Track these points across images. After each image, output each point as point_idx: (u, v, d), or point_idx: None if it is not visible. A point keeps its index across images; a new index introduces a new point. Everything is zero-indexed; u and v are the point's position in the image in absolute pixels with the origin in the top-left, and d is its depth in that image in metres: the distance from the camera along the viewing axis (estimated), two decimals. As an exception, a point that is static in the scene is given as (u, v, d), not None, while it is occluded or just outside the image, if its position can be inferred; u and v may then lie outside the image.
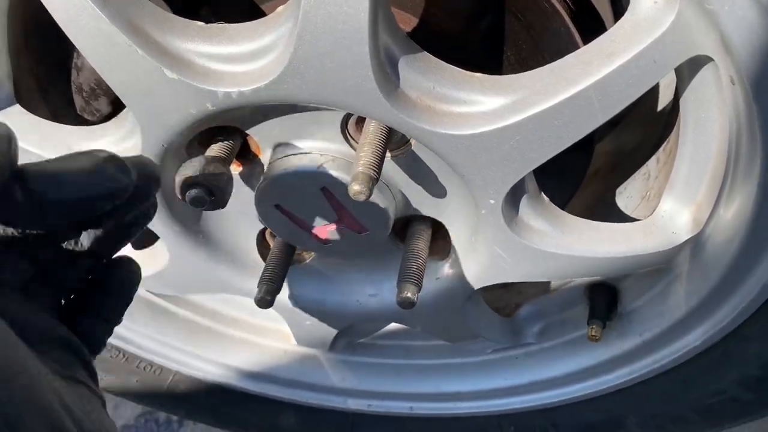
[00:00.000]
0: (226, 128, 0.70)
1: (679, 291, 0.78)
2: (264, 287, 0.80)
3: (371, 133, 0.64)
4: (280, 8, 0.59)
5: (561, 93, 0.57)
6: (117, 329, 1.01)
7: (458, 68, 0.60)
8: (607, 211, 0.92)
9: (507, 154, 0.61)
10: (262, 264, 0.87)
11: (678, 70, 0.62)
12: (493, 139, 0.60)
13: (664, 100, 0.94)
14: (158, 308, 1.03)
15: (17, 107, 0.76)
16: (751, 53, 0.51)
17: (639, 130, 0.99)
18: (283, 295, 0.88)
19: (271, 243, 0.86)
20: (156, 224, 0.78)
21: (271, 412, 1.13)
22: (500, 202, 0.66)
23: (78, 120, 0.85)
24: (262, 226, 0.83)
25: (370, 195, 0.62)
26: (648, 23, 0.55)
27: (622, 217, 0.89)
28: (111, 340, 1.02)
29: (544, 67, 0.59)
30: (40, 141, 0.74)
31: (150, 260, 0.90)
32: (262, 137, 0.71)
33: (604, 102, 0.57)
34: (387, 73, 0.58)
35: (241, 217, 0.81)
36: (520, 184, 0.65)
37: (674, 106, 0.86)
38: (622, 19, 0.56)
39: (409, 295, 0.72)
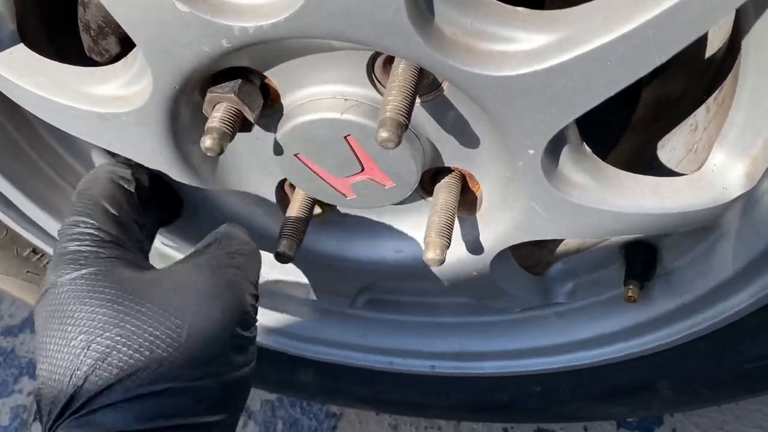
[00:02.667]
0: (244, 70, 0.65)
1: (726, 250, 0.73)
2: (284, 241, 0.75)
3: (400, 75, 0.58)
4: (303, -67, 0.53)
5: (614, 30, 0.51)
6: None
7: (498, 2, 0.54)
8: (646, 165, 0.86)
9: (551, 98, 0.55)
10: (281, 215, 0.83)
11: (741, 9, 0.56)
12: (537, 82, 0.54)
13: (714, 45, 0.87)
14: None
15: (21, 46, 0.71)
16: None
17: (683, 79, 0.93)
18: (303, 249, 0.84)
19: (291, 195, 0.82)
20: (168, 172, 0.73)
21: (289, 367, 1.11)
22: (540, 153, 0.61)
23: (86, 61, 0.80)
24: (281, 177, 0.79)
25: (398, 143, 0.57)
26: (716, -51, 0.48)
27: (663, 172, 0.83)
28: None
29: (594, 1, 0.53)
30: (47, 82, 0.70)
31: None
32: (281, 80, 0.66)
33: (663, 40, 0.51)
34: (420, 6, 0.52)
35: (259, 166, 0.77)
36: (562, 133, 0.60)
37: (729, 52, 0.79)
38: (686, -55, 0.50)
39: (438, 252, 0.68)
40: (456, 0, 0.53)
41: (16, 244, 0.91)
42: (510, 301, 0.90)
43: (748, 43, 0.58)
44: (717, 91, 0.76)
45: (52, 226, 0.90)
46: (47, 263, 0.95)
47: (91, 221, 0.65)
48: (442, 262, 0.69)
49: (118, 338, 0.57)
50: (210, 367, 0.59)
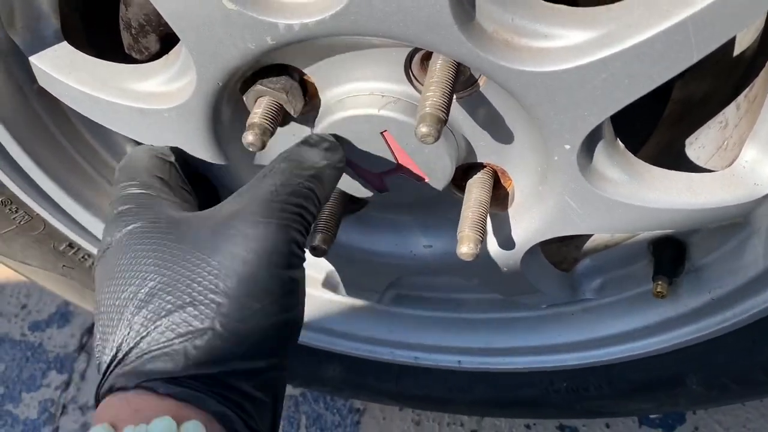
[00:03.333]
0: (283, 67, 0.66)
1: (756, 247, 0.74)
2: (318, 235, 0.77)
3: (438, 71, 0.60)
4: (348, -68, 0.54)
5: (654, 26, 0.52)
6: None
7: (539, -1, 0.55)
8: (674, 162, 0.87)
9: (590, 94, 0.56)
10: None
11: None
12: (576, 78, 0.55)
13: (742, 44, 0.88)
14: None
15: (65, 44, 0.73)
16: None
17: (710, 77, 0.93)
18: (335, 243, 0.85)
19: (324, 190, 0.83)
20: (207, 167, 0.75)
21: (316, 362, 1.12)
22: (576, 148, 0.62)
23: (125, 58, 0.82)
24: (315, 173, 0.80)
25: (438, 138, 0.58)
26: (757, -54, 0.49)
27: (692, 169, 0.83)
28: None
29: (635, -2, 0.54)
30: (89, 79, 0.71)
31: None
32: (319, 77, 0.67)
33: (702, 36, 0.52)
34: (463, 2, 0.53)
35: (294, 162, 0.78)
36: (598, 128, 0.61)
37: (761, 49, 0.80)
38: (727, -58, 0.50)
39: (471, 246, 0.69)
40: (497, -4, 0.54)
41: (53, 239, 0.93)
42: (539, 298, 0.91)
43: (783, 40, 0.59)
44: (748, 89, 0.76)
45: (88, 220, 0.91)
46: (82, 257, 0.97)
47: (136, 182, 0.66)
48: (476, 256, 0.70)
49: (162, 285, 0.56)
50: (256, 309, 0.57)
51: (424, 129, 0.57)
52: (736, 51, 0.90)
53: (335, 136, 0.68)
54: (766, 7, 0.50)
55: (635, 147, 0.82)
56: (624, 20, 0.53)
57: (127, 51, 0.78)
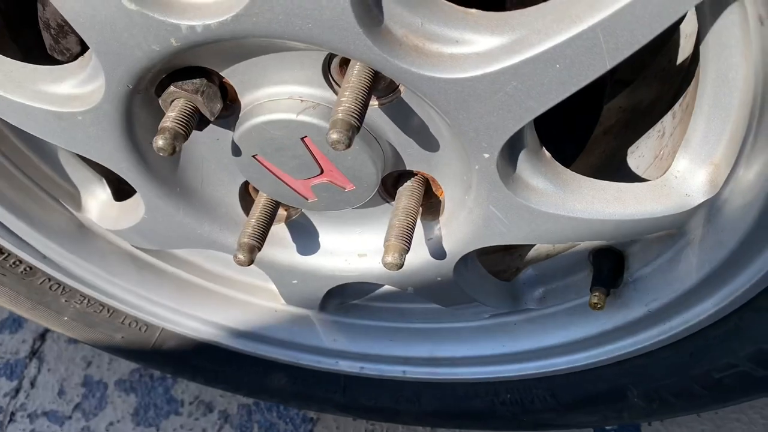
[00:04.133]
0: (201, 69, 0.64)
1: (690, 258, 0.72)
2: (244, 245, 0.75)
3: (354, 76, 0.58)
4: (250, -70, 0.52)
5: (564, 32, 0.50)
6: (99, 283, 0.98)
7: (449, 3, 0.53)
8: (616, 171, 0.85)
9: (503, 101, 0.54)
10: (245, 219, 0.82)
11: (699, 11, 0.55)
12: (488, 84, 0.53)
13: (685, 51, 0.87)
14: (143, 263, 0.99)
15: (-21, 44, 0.71)
16: (785, -16, 0.44)
17: (656, 85, 0.92)
18: (268, 252, 0.83)
19: (254, 197, 0.81)
20: (128, 172, 0.73)
21: (261, 372, 1.10)
22: (495, 157, 0.60)
23: (50, 60, 0.79)
24: (243, 179, 0.78)
25: (349, 144, 0.56)
26: (666, -48, 0.48)
27: (632, 178, 0.82)
28: (94, 294, 0.99)
29: (546, 3, 0.52)
30: (3, 80, 0.69)
31: (129, 212, 0.86)
32: (238, 80, 0.65)
33: (613, 43, 0.50)
34: (368, 5, 0.51)
35: (220, 169, 0.76)
36: (518, 136, 0.59)
37: (694, 57, 0.79)
38: (637, -53, 0.49)
39: (396, 256, 0.67)
40: (406, 0, 0.52)
41: (-19, 244, 0.90)
42: (478, 307, 0.89)
43: (706, 48, 0.58)
44: (682, 97, 0.75)
45: (18, 225, 0.89)
46: (13, 263, 0.94)
47: None
48: (401, 266, 0.68)
49: None
50: None
51: (334, 135, 0.55)
52: (679, 59, 0.89)
53: None
54: (675, 16, 0.49)
55: (572, 156, 0.81)
56: (534, 25, 0.52)
57: (49, 52, 0.76)
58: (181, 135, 0.62)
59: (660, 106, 0.87)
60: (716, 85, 0.59)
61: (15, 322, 1.62)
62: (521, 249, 0.92)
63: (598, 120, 0.75)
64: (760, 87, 0.55)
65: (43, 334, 1.59)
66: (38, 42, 0.79)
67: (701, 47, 0.58)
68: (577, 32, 0.50)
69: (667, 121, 0.78)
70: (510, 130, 0.57)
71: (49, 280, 0.97)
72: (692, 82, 0.72)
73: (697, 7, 0.53)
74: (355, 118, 0.56)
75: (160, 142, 0.61)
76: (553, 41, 0.51)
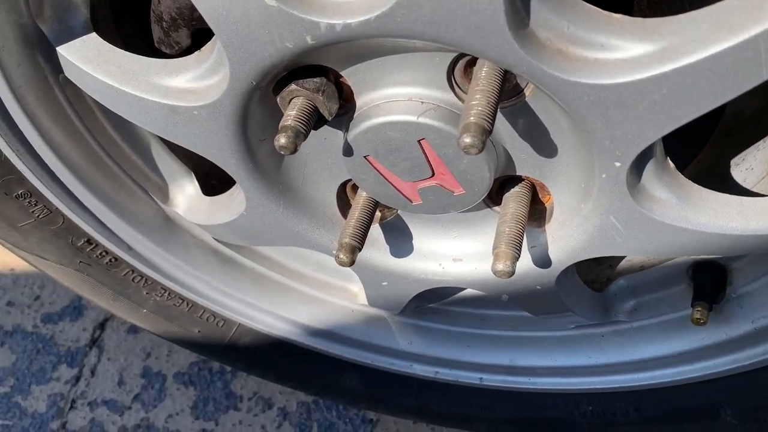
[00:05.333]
0: (319, 67, 0.63)
1: (807, 277, 0.70)
2: (345, 245, 0.74)
3: (484, 78, 0.56)
4: (398, -72, 0.51)
5: (721, 41, 0.48)
6: (182, 276, 0.98)
7: (597, 8, 0.52)
8: (720, 183, 0.83)
9: (647, 110, 0.53)
10: (340, 219, 0.82)
11: None
12: (634, 92, 0.52)
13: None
14: (225, 257, 0.99)
15: (94, 35, 0.71)
16: None
17: (762, 93, 0.89)
18: (362, 253, 0.82)
19: (352, 198, 0.80)
20: (236, 169, 0.72)
21: (333, 371, 1.09)
22: (626, 166, 0.58)
23: (153, 52, 0.79)
24: (344, 179, 0.77)
25: (482, 149, 0.55)
26: (840, -40, 0.46)
27: (739, 191, 0.80)
28: (175, 287, 1.00)
29: (701, 10, 0.50)
30: (117, 72, 0.69)
31: (223, 207, 0.86)
32: (356, 80, 0.64)
33: (775, 53, 0.48)
34: (517, 7, 0.50)
35: (323, 168, 0.75)
36: (650, 146, 0.57)
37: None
38: (806, -46, 0.47)
39: (508, 264, 0.66)
40: (553, 3, 0.51)
41: (72, 234, 0.90)
42: (569, 317, 0.87)
43: None
44: (804, 110, 0.73)
45: (109, 217, 0.89)
46: (100, 254, 0.95)
47: None
48: (512, 274, 0.66)
49: None
50: None
51: (468, 140, 0.54)
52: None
53: None
54: None
55: (683, 166, 0.79)
56: (687, 33, 0.50)
57: (156, 45, 0.76)
58: (302, 134, 0.61)
59: (766, 117, 0.85)
60: None
61: (75, 310, 1.64)
62: (613, 259, 0.90)
63: (717, 125, 0.73)
64: None
65: (103, 323, 1.61)
66: (141, 33, 0.79)
67: None
68: (736, 42, 0.48)
69: (782, 134, 0.76)
70: (649, 140, 0.55)
71: (133, 272, 0.97)
72: (820, 95, 0.69)
73: None
74: (488, 121, 0.55)
75: (282, 140, 0.60)
76: (708, 50, 0.49)
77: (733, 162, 0.84)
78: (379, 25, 0.52)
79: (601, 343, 0.92)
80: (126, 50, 0.71)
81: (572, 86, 0.53)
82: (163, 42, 0.75)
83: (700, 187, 0.65)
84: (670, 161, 0.63)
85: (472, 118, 0.55)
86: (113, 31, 0.78)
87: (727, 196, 0.65)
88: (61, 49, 0.70)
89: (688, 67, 0.50)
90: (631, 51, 0.52)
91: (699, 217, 0.64)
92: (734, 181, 0.82)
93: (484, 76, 0.56)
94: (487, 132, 0.55)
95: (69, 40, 0.70)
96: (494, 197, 0.75)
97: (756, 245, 0.66)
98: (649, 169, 0.62)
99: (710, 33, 0.49)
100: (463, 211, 0.75)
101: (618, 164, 0.58)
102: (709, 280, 0.80)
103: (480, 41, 0.51)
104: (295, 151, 0.61)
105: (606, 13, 0.52)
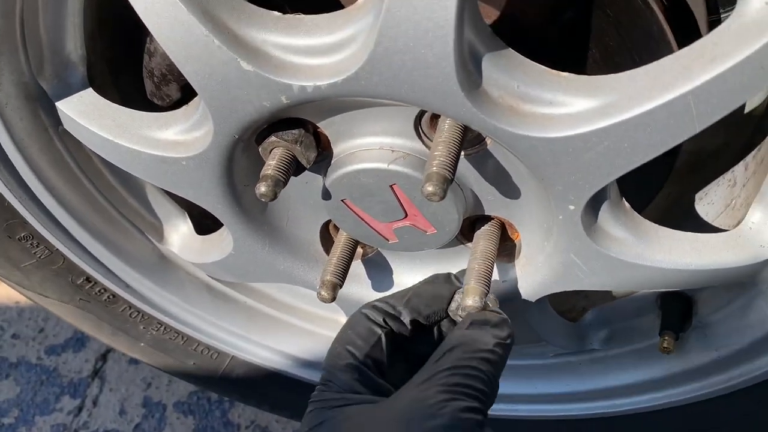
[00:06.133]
0: (298, 119, 0.68)
1: (763, 308, 0.74)
2: (326, 282, 0.78)
3: (446, 131, 0.61)
4: (360, 0, 0.56)
5: (656, 98, 0.53)
6: (177, 312, 1.03)
7: (544, 67, 0.57)
8: (684, 216, 0.87)
9: (593, 160, 0.57)
10: (324, 255, 0.86)
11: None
12: (579, 144, 0.56)
13: (753, 100, 0.89)
14: (217, 293, 1.04)
15: (90, 90, 0.76)
16: None
17: (723, 131, 0.94)
18: (345, 288, 0.87)
19: (335, 235, 0.85)
20: (223, 213, 0.77)
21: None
22: (580, 209, 0.63)
23: (146, 104, 0.85)
24: (326, 219, 0.82)
25: (444, 197, 0.59)
26: (757, 26, 0.50)
27: (701, 224, 0.84)
28: (170, 322, 1.04)
29: (639, 68, 0.55)
30: (112, 125, 0.74)
31: (214, 247, 0.91)
32: (332, 131, 0.69)
33: (703, 109, 0.53)
34: (470, 70, 0.55)
35: (306, 208, 0.80)
36: (602, 190, 0.62)
37: (764, 114, 0.81)
38: (727, 20, 0.52)
39: (477, 299, 0.70)
40: (503, 65, 0.56)
41: (72, 273, 0.95)
42: (545, 347, 0.91)
43: (787, 110, 0.60)
44: (756, 149, 0.77)
45: (106, 256, 0.94)
46: (99, 291, 0.99)
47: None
48: (481, 309, 0.71)
49: None
50: None
51: (430, 188, 0.59)
52: (748, 107, 0.91)
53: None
54: (765, 83, 0.51)
55: (647, 200, 0.83)
56: (627, 90, 0.55)
57: (149, 97, 0.81)
58: (282, 182, 0.66)
59: (727, 153, 0.89)
60: (797, 145, 0.61)
61: (78, 342, 1.68)
62: (587, 290, 0.94)
63: (674, 166, 0.77)
64: (844, 150, 0.57)
65: (105, 355, 1.65)
66: (136, 87, 0.85)
67: (782, 108, 0.61)
68: (668, 99, 0.53)
69: (738, 170, 0.80)
70: (598, 186, 0.60)
71: (130, 307, 1.02)
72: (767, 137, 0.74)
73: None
74: (449, 171, 0.60)
75: (263, 188, 0.65)
76: (644, 107, 0.54)
77: (697, 196, 0.88)
78: (346, 87, 0.57)
79: (578, 371, 0.96)
80: (122, 103, 0.77)
81: (523, 139, 0.58)
82: (155, 95, 0.80)
83: (656, 225, 0.70)
84: (625, 202, 0.68)
85: (434, 168, 0.59)
86: (110, 84, 0.84)
87: (682, 233, 0.70)
88: (60, 105, 0.75)
89: (627, 121, 0.54)
90: (576, 106, 0.56)
91: (655, 254, 0.68)
92: (697, 214, 0.86)
93: (447, 128, 0.61)
94: (448, 180, 0.59)
95: (67, 96, 0.76)
96: (467, 234, 0.80)
97: (711, 279, 0.71)
98: (605, 210, 0.66)
99: (645, 90, 0.54)
100: (438, 248, 0.80)
101: (572, 207, 0.63)
102: (676, 309, 0.83)
103: (437, 101, 0.56)
104: (275, 198, 0.66)
105: (553, 71, 0.57)
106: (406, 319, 0.71)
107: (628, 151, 0.56)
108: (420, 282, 0.75)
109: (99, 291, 0.99)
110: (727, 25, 0.52)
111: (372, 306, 0.71)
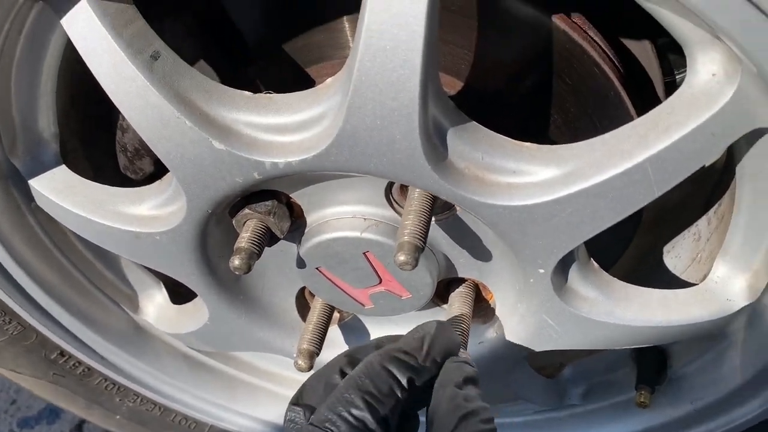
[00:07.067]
0: (270, 192, 0.69)
1: (734, 359, 0.75)
2: (303, 351, 0.78)
3: (416, 200, 0.63)
4: (329, 80, 0.58)
5: (615, 166, 0.55)
6: (153, 382, 1.01)
7: (507, 138, 0.59)
8: (655, 268, 0.89)
9: (558, 226, 0.59)
10: (300, 322, 0.86)
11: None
12: (544, 211, 0.58)
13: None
14: (195, 362, 1.03)
15: (63, 167, 0.77)
16: (821, 133, 0.49)
17: (685, 185, 0.97)
18: (323, 354, 0.87)
19: (311, 301, 0.85)
20: (197, 284, 0.77)
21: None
22: (549, 272, 0.64)
23: (119, 177, 0.85)
24: (301, 285, 0.82)
25: (415, 265, 0.60)
26: (706, 96, 0.53)
27: (670, 277, 0.86)
28: (147, 393, 1.02)
29: (597, 138, 0.57)
30: (84, 202, 0.74)
31: (189, 317, 0.90)
32: (305, 201, 0.70)
33: (661, 176, 0.55)
34: (435, 144, 0.57)
35: (280, 277, 0.80)
36: (570, 252, 0.63)
37: (726, 168, 0.84)
38: (679, 90, 0.55)
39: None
40: (468, 137, 0.58)
41: (45, 348, 0.94)
42: (520, 405, 0.91)
43: (742, 170, 0.63)
44: (716, 206, 0.80)
45: (80, 330, 0.93)
46: (73, 365, 0.98)
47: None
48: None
49: None
50: None
51: (402, 257, 0.60)
52: (707, 163, 0.94)
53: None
54: (718, 152, 0.54)
55: (614, 258, 0.85)
56: (587, 159, 0.57)
57: (122, 171, 0.82)
58: (256, 254, 0.67)
59: (691, 204, 0.92)
60: (753, 204, 0.64)
61: (52, 413, 1.64)
62: (563, 345, 0.95)
63: (639, 223, 0.79)
64: (796, 208, 0.60)
65: (80, 425, 1.61)
66: (110, 162, 0.85)
67: (737, 168, 0.63)
68: (627, 167, 0.55)
69: (702, 225, 0.82)
70: (564, 250, 0.61)
71: (105, 380, 1.00)
72: (727, 193, 0.76)
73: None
74: (420, 240, 0.61)
75: (236, 261, 0.65)
76: (604, 175, 0.56)
77: (665, 249, 0.90)
78: (317, 162, 0.59)
79: (560, 427, 0.96)
80: (96, 177, 0.77)
81: (490, 208, 0.59)
82: (128, 169, 0.81)
83: (625, 283, 0.71)
84: (594, 262, 0.70)
85: (405, 237, 0.61)
86: (83, 159, 0.85)
87: (650, 290, 0.71)
88: (32, 182, 0.76)
89: (588, 189, 0.56)
90: (539, 175, 0.58)
91: (625, 312, 0.70)
92: (666, 268, 0.88)
93: (416, 197, 0.63)
94: (419, 249, 0.61)
95: (40, 173, 0.76)
96: (443, 296, 0.80)
97: (681, 334, 0.72)
98: (574, 271, 0.68)
99: (605, 159, 0.56)
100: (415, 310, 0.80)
101: (542, 270, 0.64)
102: (651, 363, 0.84)
103: (405, 174, 0.58)
104: (249, 270, 0.66)
105: (516, 142, 0.59)
106: (426, 377, 0.62)
107: (592, 216, 0.58)
108: (429, 325, 0.64)
109: (73, 365, 0.97)
110: (679, 95, 0.55)
111: (394, 358, 0.60)
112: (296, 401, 0.62)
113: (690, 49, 0.53)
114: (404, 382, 0.59)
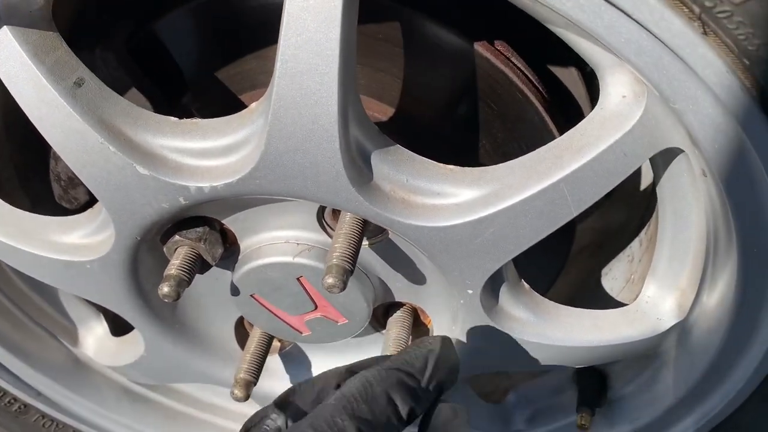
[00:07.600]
0: (202, 217, 0.69)
1: (667, 378, 0.76)
2: (240, 381, 0.77)
3: (347, 224, 0.63)
4: (254, 104, 0.59)
5: (532, 186, 0.57)
6: (93, 418, 0.99)
7: (431, 161, 0.60)
8: (594, 290, 0.91)
9: (482, 246, 0.60)
10: (240, 352, 0.85)
11: (652, 159, 0.62)
12: (467, 232, 0.59)
13: (645, 181, 0.94)
14: (136, 395, 1.00)
15: (-5, 198, 0.76)
16: (718, 150, 0.51)
17: (624, 209, 0.99)
18: (263, 384, 0.86)
19: (250, 330, 0.85)
20: (131, 314, 0.76)
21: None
22: (478, 292, 0.65)
23: (57, 207, 0.84)
24: (240, 314, 0.82)
25: (344, 288, 0.60)
26: (617, 117, 0.55)
27: (608, 299, 0.87)
28: (87, 429, 1.00)
29: (516, 160, 0.59)
30: (14, 232, 0.73)
31: (126, 348, 0.89)
32: (237, 227, 0.70)
33: (577, 195, 0.57)
34: (359, 167, 0.58)
35: (217, 305, 0.80)
36: (498, 273, 0.64)
37: (654, 190, 0.86)
38: (592, 113, 0.57)
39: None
40: (392, 160, 0.59)
41: (-20, 386, 0.91)
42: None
43: (662, 190, 0.65)
44: (647, 226, 0.82)
45: (16, 365, 0.91)
46: (8, 402, 0.95)
47: None
48: (393, 397, 0.71)
49: None
50: None
51: (330, 280, 0.60)
52: (642, 185, 0.97)
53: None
54: (629, 171, 0.56)
55: (551, 280, 0.86)
56: (506, 180, 0.58)
57: (57, 201, 0.81)
58: (185, 281, 0.66)
59: (629, 229, 0.94)
60: (674, 222, 0.66)
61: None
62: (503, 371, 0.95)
63: (573, 240, 0.81)
64: (711, 225, 0.61)
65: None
66: (46, 191, 0.85)
67: (657, 188, 0.65)
68: (543, 187, 0.56)
69: (635, 246, 0.84)
70: (491, 270, 0.62)
71: (43, 417, 0.97)
72: (654, 214, 0.79)
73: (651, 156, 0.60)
74: (349, 263, 0.61)
75: (165, 289, 0.65)
76: (522, 195, 0.57)
77: (603, 272, 0.92)
78: (242, 186, 0.59)
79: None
80: (33, 207, 0.76)
81: (416, 229, 0.60)
82: (63, 198, 0.80)
83: (557, 304, 0.72)
84: (524, 283, 0.70)
85: (334, 260, 0.61)
86: (18, 189, 0.84)
87: (582, 310, 0.72)
88: (-38, 213, 0.74)
89: (508, 209, 0.58)
90: (462, 197, 0.59)
91: (556, 333, 0.70)
92: (604, 290, 0.89)
93: (347, 220, 0.63)
94: (348, 272, 0.61)
95: (-31, 204, 0.75)
96: (381, 321, 0.81)
97: (614, 354, 0.73)
98: (504, 292, 0.68)
99: (523, 180, 0.58)
100: (354, 337, 0.80)
101: (471, 291, 0.65)
102: (591, 385, 0.85)
103: (331, 197, 0.59)
104: (178, 298, 0.66)
105: (440, 164, 0.60)
106: (425, 406, 0.57)
107: (513, 236, 0.59)
108: (431, 343, 0.59)
109: (8, 402, 0.94)
110: (592, 117, 0.57)
111: (399, 382, 0.55)
112: (281, 403, 0.58)
113: (601, 72, 0.55)
114: (404, 414, 0.54)
